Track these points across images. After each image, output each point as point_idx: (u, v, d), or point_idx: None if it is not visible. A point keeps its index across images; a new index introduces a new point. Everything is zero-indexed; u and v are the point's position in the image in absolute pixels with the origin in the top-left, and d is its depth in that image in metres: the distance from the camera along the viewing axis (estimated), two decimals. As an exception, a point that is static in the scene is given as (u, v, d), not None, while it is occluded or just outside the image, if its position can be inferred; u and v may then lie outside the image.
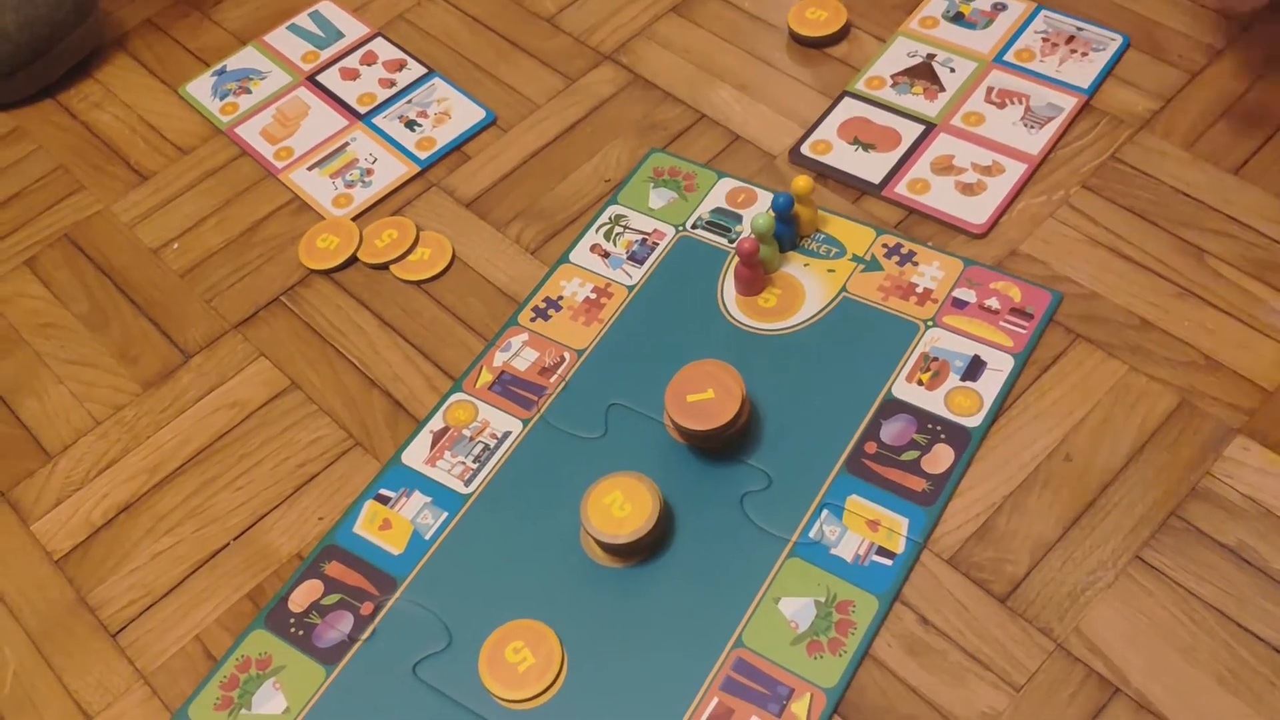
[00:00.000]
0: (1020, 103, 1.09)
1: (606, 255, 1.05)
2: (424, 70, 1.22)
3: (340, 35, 1.27)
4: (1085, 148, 1.06)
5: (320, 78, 1.23)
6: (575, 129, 1.16)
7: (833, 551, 0.85)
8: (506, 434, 0.93)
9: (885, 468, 0.88)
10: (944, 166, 1.06)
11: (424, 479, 0.92)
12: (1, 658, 0.86)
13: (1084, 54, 1.12)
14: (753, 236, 0.97)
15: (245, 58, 1.25)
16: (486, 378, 0.97)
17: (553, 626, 0.83)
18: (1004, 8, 1.17)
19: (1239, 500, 0.84)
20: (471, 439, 0.93)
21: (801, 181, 0.99)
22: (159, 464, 0.95)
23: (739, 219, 1.05)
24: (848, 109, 1.12)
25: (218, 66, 1.26)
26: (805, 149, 1.10)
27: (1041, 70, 1.11)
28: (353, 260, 1.07)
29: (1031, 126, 1.07)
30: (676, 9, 1.24)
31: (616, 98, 1.18)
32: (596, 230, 1.07)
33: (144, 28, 1.32)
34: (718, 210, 1.07)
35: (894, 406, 0.92)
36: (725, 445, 0.91)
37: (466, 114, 1.19)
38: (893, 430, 0.90)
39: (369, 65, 1.23)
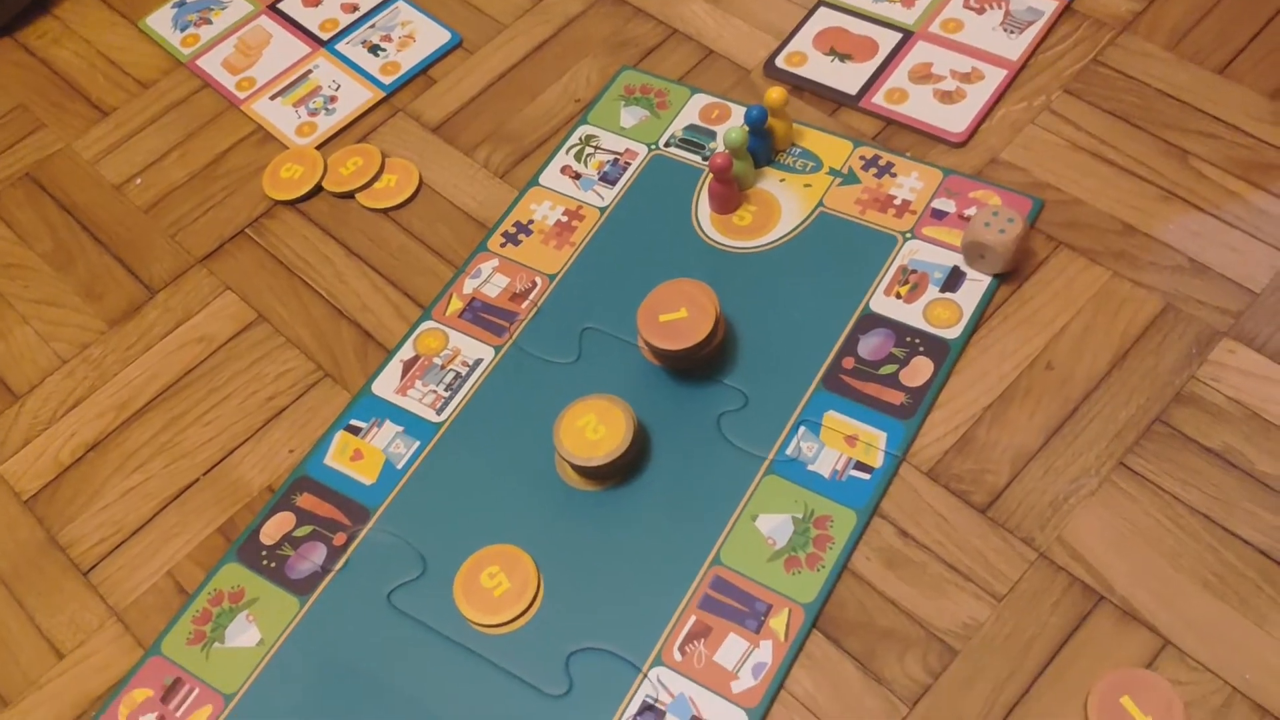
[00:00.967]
0: (999, 7, 1.06)
1: (578, 177, 1.02)
2: (387, -7, 1.19)
3: (301, -40, 1.23)
4: (1066, 52, 1.02)
5: (281, 5, 1.20)
6: (544, 48, 1.13)
7: (810, 468, 0.83)
8: (478, 361, 0.91)
9: (863, 382, 0.87)
10: (922, 75, 1.03)
11: (395, 409, 0.90)
12: (-28, 599, 0.85)
13: (1065, -46, 1.08)
14: (725, 151, 0.94)
15: (204, -13, 1.22)
16: (456, 305, 0.95)
17: (528, 552, 0.81)
18: (982, -91, 1.13)
19: (1225, 404, 0.82)
20: (443, 367, 0.91)
21: (775, 93, 0.96)
22: (127, 401, 0.93)
23: (713, 136, 1.02)
24: (824, 18, 1.09)
25: (176, -3, 1.22)
26: (780, 61, 1.06)
27: (1022, -28, 1.08)
28: (318, 190, 1.04)
29: (1011, 31, 1.04)
30: (645, -78, 1.20)
31: (586, 15, 1.15)
32: (567, 152, 1.04)
33: (100, -41, 1.28)
34: (691, 128, 1.04)
35: (871, 321, 0.89)
36: (700, 365, 0.89)
37: (431, 37, 1.15)
38: (870, 345, 0.88)
39: (331, -10, 1.19)
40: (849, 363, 0.88)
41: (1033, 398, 0.84)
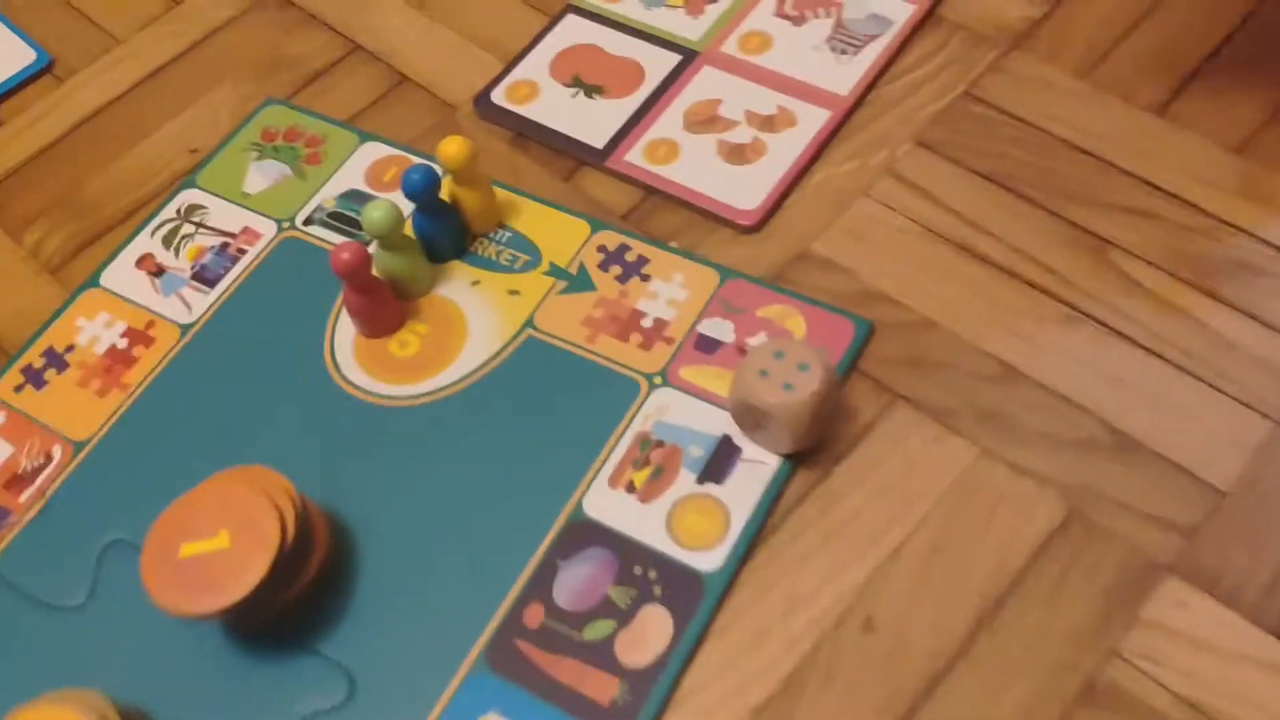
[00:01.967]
0: (829, 14, 0.69)
1: (160, 273, 0.64)
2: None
3: None
4: (924, 81, 0.66)
5: None
6: (164, 73, 0.75)
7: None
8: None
9: (552, 656, 0.49)
10: (705, 118, 0.66)
11: None
12: None
13: (925, -65, 0.72)
14: (358, 244, 0.56)
15: None
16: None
17: None
18: None
19: (1168, 707, 0.45)
20: None
21: (453, 146, 0.59)
22: None
23: (377, 209, 0.63)
24: (570, 31, 0.72)
25: None
26: (499, 95, 0.69)
27: (862, -37, 0.71)
28: None
29: (843, 50, 0.67)
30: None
31: (237, 23, 0.77)
32: (153, 233, 0.66)
33: None
34: (351, 195, 0.66)
35: (582, 534, 0.52)
36: (276, 622, 0.51)
37: (8, 56, 0.77)
38: (575, 580, 0.51)
39: None
40: (534, 615, 0.50)
41: (839, 686, 0.48)
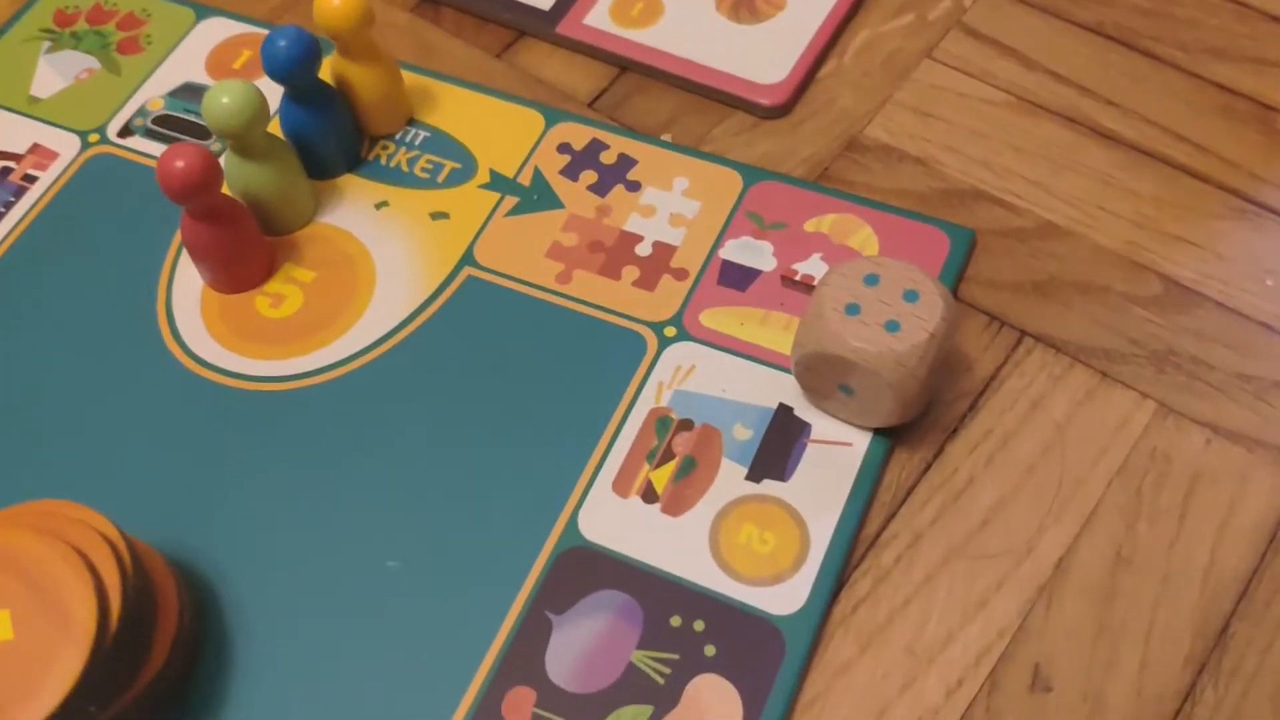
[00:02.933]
0: None
1: (-101, 217, 0.44)
2: None
3: None
4: (989, -96, 0.49)
5: None
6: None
7: None
8: None
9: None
10: (692, -39, 0.48)
11: None
12: None
13: None
14: (200, 145, 0.37)
15: None
16: None
17: None
18: None
19: None
20: None
21: (335, 2, 0.40)
22: None
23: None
24: None
25: None
26: (394, -54, 0.50)
27: None
28: None
29: None
30: None
31: None
32: (-112, 158, 0.46)
33: None
34: (186, 91, 0.47)
35: (581, 569, 0.36)
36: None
37: None
38: (579, 642, 0.34)
39: None
40: (520, 706, 0.33)
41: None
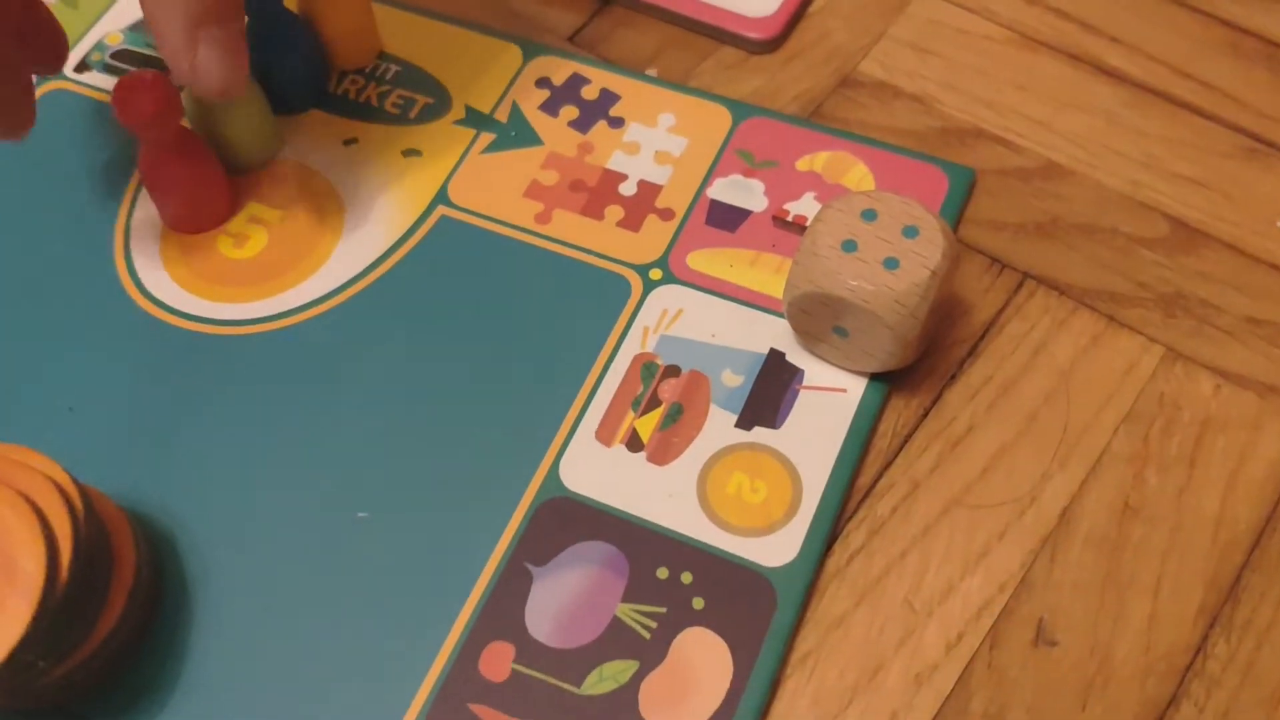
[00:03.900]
0: None
1: None
2: None
3: None
4: None
5: None
6: None
7: None
8: None
9: (539, 712, 0.32)
10: (677, -110, 0.47)
11: None
12: None
13: None
14: (160, 75, 0.37)
15: None
16: None
17: None
18: None
19: None
20: None
21: None
22: None
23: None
24: None
25: None
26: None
27: None
28: None
29: None
30: None
31: None
32: None
33: None
34: (145, 24, 0.46)
35: (563, 520, 0.35)
36: (59, 703, 0.32)
37: None
38: (561, 596, 0.33)
39: None
40: (499, 661, 0.32)
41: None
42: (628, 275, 0.40)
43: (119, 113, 0.37)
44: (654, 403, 0.37)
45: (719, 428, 0.37)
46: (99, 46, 0.46)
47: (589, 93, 0.44)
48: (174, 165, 0.39)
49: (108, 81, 0.45)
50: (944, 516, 0.36)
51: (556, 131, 0.43)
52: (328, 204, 0.42)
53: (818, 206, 0.40)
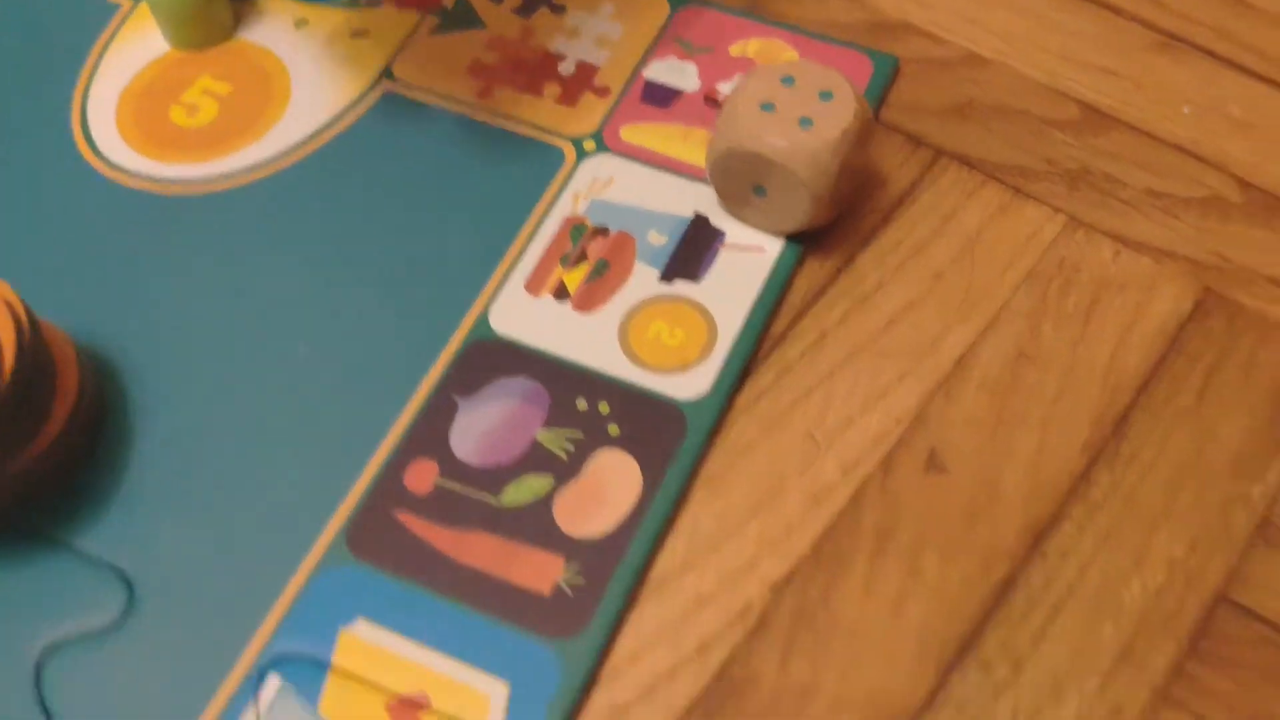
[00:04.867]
0: None
1: None
2: None
3: None
4: None
5: None
6: None
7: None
8: None
9: (457, 531, 0.37)
10: None
11: None
12: None
13: None
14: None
15: None
16: None
17: None
18: None
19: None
20: None
21: None
22: None
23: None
24: None
25: None
26: None
27: None
28: None
29: None
30: None
31: None
32: None
33: None
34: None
35: (490, 358, 0.40)
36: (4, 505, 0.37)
37: None
38: (485, 422, 0.38)
39: None
40: (422, 476, 0.37)
41: (899, 552, 0.36)
42: (562, 146, 0.45)
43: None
44: (581, 258, 0.42)
45: (643, 281, 0.42)
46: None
47: (534, -17, 0.49)
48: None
49: (72, -33, 0.50)
50: (849, 362, 0.40)
51: (500, 16, 0.48)
52: (277, 79, 0.47)
53: (744, 83, 0.45)
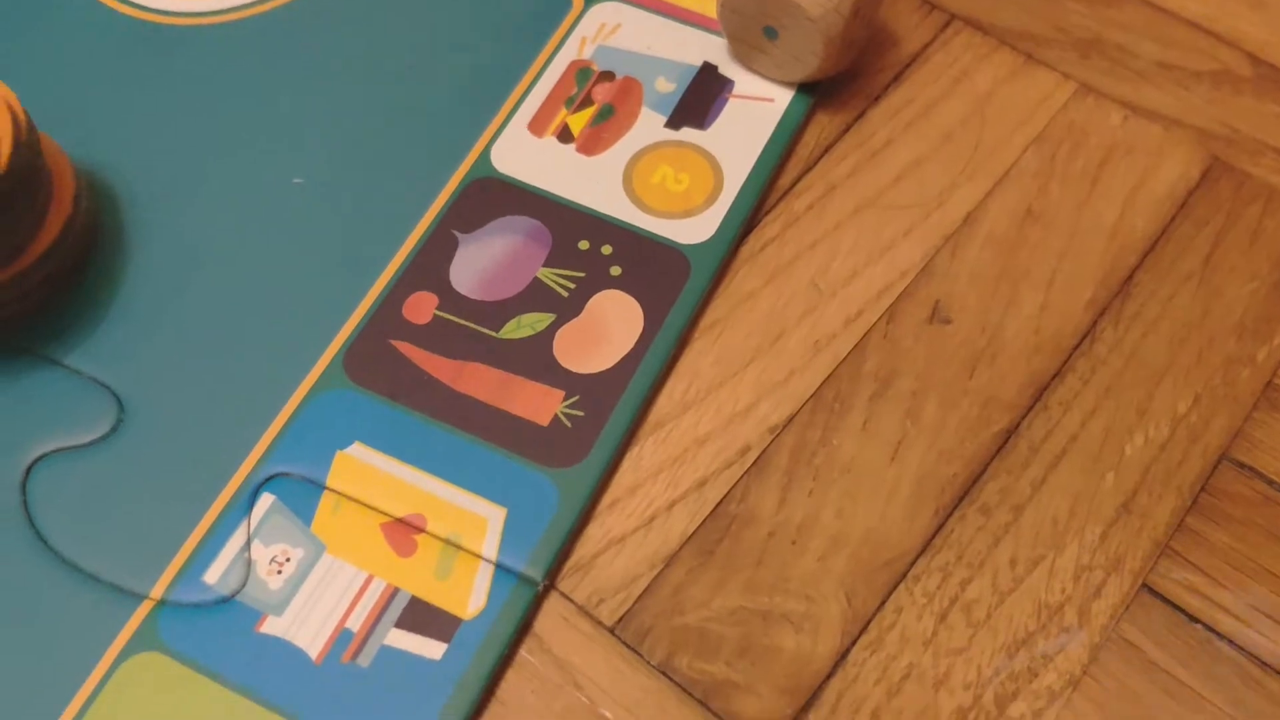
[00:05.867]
0: None
1: None
2: None
3: None
4: None
5: None
6: None
7: (266, 627, 0.31)
8: None
9: (455, 361, 0.36)
10: None
11: None
12: None
13: None
14: None
15: None
16: None
17: None
18: None
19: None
20: None
21: None
22: None
23: None
24: None
25: None
26: None
27: None
28: None
29: None
30: None
31: None
32: None
33: None
34: None
35: (491, 196, 0.39)
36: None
37: None
38: (485, 259, 0.37)
39: None
40: (422, 307, 0.36)
41: (899, 396, 0.35)
42: (570, -8, 0.43)
43: None
44: (587, 102, 0.41)
45: (648, 126, 0.40)
46: None
47: None
48: None
49: None
50: (855, 215, 0.39)
51: None
52: (281, -84, 0.45)
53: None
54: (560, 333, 0.36)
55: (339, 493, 0.33)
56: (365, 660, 0.31)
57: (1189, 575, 0.33)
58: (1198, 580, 0.33)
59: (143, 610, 0.32)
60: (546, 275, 0.37)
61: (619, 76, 0.41)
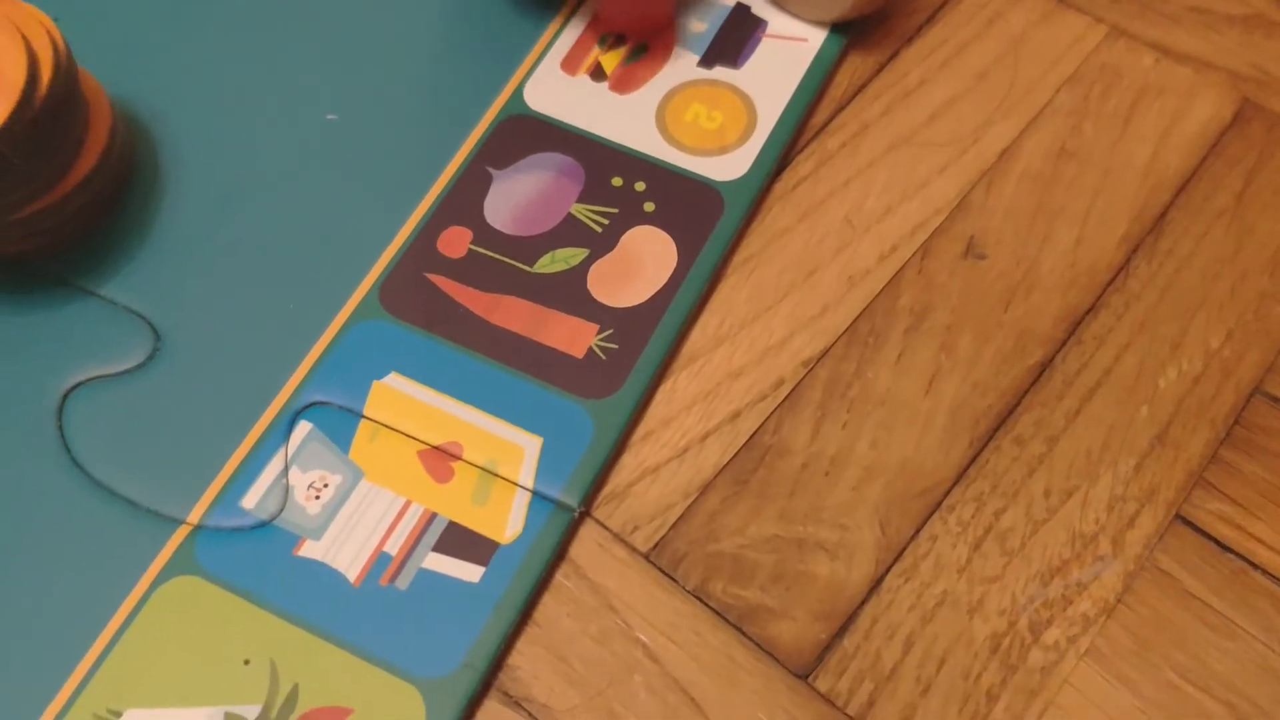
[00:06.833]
0: None
1: None
2: None
3: None
4: None
5: None
6: None
7: (305, 550, 0.31)
8: None
9: (489, 294, 0.35)
10: None
11: None
12: None
13: None
14: None
15: None
16: None
17: None
18: None
19: None
20: None
21: None
22: None
23: None
24: None
25: None
26: None
27: None
28: None
29: None
30: None
31: None
32: None
33: None
34: None
35: (524, 133, 0.38)
36: (32, 245, 0.35)
37: None
38: (519, 194, 0.36)
39: None
40: (456, 241, 0.35)
41: (933, 331, 0.34)
42: (602, -66, 0.42)
43: None
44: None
45: (682, 65, 0.40)
46: None
47: None
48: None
49: None
50: (889, 153, 0.39)
51: None
52: None
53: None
54: (594, 267, 0.36)
55: (376, 421, 0.33)
56: (403, 583, 0.31)
57: (1222, 506, 0.33)
58: (1231, 511, 0.33)
59: (179, 535, 0.32)
60: (580, 211, 0.37)
61: (651, 16, 0.41)
